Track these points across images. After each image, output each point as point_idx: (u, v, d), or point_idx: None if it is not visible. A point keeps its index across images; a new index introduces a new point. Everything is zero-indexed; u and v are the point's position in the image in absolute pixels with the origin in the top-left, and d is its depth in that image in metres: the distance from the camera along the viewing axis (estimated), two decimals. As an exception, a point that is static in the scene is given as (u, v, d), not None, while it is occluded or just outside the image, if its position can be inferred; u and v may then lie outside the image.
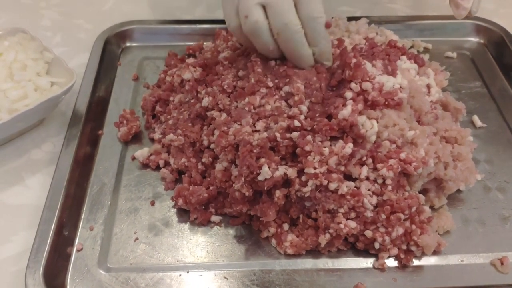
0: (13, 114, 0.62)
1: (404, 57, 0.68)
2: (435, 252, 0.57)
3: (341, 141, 0.56)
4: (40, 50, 0.71)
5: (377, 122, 0.57)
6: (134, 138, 0.69)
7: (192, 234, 0.59)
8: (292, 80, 0.59)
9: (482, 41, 0.87)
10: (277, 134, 0.56)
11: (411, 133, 0.57)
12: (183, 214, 0.61)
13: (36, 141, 0.70)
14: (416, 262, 0.57)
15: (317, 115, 0.57)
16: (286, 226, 0.58)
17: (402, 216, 0.55)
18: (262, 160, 0.55)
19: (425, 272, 0.56)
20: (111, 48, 0.82)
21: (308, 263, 0.57)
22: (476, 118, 0.73)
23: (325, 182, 0.54)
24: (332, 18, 0.81)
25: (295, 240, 0.57)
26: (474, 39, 0.87)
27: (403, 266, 0.56)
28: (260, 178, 0.54)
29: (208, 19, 0.90)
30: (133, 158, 0.67)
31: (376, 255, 0.57)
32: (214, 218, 0.60)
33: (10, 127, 0.64)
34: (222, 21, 0.85)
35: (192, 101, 0.67)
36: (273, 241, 0.58)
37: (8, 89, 0.65)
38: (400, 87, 0.60)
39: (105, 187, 0.63)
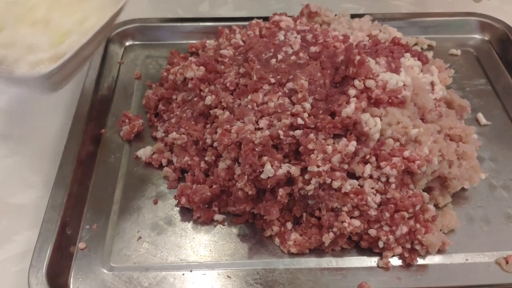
0: (88, 34, 0.57)
1: (407, 55, 0.68)
2: (440, 251, 0.57)
3: (344, 139, 0.56)
4: None
5: (381, 120, 0.57)
6: (137, 137, 0.69)
7: (195, 233, 0.59)
8: (296, 77, 0.59)
9: (486, 38, 0.86)
10: (280, 132, 0.56)
11: (415, 131, 0.57)
12: (186, 212, 0.61)
13: (39, 139, 0.70)
14: (420, 261, 0.56)
15: (321, 112, 0.57)
16: (289, 225, 0.58)
17: (406, 215, 0.55)
18: (265, 158, 0.55)
19: (430, 271, 0.56)
20: (114, 47, 0.82)
21: (311, 262, 0.56)
22: (480, 116, 0.72)
23: (328, 180, 0.54)
24: (336, 15, 0.80)
25: (298, 239, 0.57)
26: (478, 36, 0.86)
27: (407, 265, 0.56)
28: (263, 176, 0.54)
29: (211, 17, 0.90)
30: (136, 157, 0.67)
31: (380, 254, 0.57)
32: (217, 216, 0.60)
33: (84, 50, 0.59)
34: (225, 19, 0.86)
35: (195, 99, 0.66)
36: (277, 240, 0.58)
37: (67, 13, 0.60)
38: (404, 84, 0.60)
39: (108, 186, 0.63)
